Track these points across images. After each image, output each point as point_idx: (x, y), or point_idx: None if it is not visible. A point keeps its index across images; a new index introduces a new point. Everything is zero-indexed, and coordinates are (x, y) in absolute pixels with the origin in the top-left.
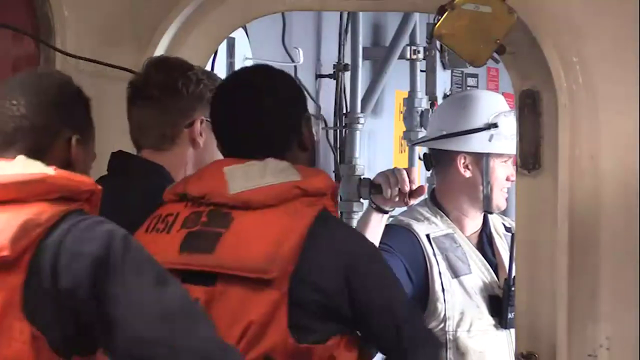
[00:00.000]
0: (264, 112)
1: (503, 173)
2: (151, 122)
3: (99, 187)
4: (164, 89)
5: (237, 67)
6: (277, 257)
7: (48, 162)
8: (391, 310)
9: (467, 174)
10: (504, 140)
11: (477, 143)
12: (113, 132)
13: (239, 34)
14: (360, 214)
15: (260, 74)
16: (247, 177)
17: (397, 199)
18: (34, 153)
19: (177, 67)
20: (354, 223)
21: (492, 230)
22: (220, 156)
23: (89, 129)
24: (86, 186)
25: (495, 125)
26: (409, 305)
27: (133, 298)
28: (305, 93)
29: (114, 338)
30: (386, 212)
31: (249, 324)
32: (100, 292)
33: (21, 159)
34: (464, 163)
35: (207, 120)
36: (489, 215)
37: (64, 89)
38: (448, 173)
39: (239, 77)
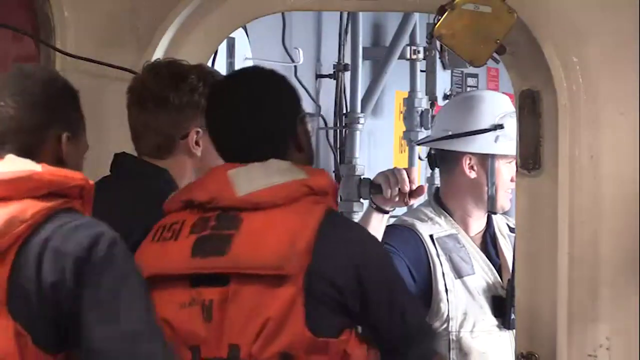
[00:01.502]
0: (262, 115)
1: (508, 174)
2: (146, 132)
3: (90, 182)
4: (156, 100)
5: (237, 67)
6: (293, 254)
7: (39, 161)
8: (398, 303)
9: (472, 174)
10: (510, 141)
11: (483, 144)
12: (113, 132)
13: (239, 34)
14: (361, 214)
15: (252, 76)
16: (252, 178)
17: (397, 199)
18: (24, 153)
19: (170, 76)
20: None
21: (496, 230)
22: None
23: (78, 123)
24: (75, 181)
25: (501, 126)
26: (413, 297)
27: (103, 307)
28: (305, 93)
29: (80, 342)
30: (386, 212)
31: (266, 320)
32: (78, 292)
33: (10, 157)
34: (469, 164)
35: (203, 130)
36: (493, 216)
37: (50, 86)
38: (453, 173)
39: (231, 82)
